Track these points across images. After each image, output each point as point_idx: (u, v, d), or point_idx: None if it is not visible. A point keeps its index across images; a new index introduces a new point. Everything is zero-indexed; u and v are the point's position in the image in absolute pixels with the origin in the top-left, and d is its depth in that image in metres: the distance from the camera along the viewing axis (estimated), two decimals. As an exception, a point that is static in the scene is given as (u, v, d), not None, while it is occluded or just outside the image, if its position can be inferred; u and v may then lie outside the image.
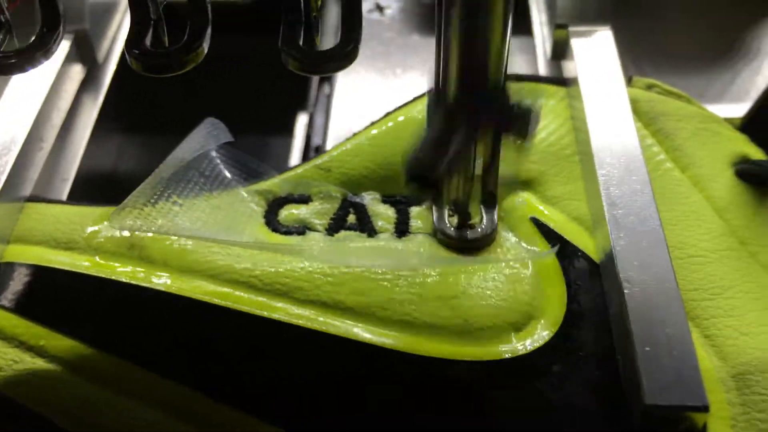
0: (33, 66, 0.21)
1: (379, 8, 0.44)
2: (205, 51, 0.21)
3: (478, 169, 0.26)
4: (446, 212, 0.27)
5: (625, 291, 0.23)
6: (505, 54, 0.21)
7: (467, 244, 0.26)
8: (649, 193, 0.26)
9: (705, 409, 0.21)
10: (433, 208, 0.27)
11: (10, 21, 0.22)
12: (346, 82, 0.39)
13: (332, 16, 0.33)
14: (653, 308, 0.23)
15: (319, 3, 0.22)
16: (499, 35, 0.20)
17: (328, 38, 0.26)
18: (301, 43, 0.20)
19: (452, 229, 0.26)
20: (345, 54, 0.20)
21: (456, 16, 0.20)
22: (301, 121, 0.42)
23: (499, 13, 0.20)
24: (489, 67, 0.21)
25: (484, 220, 0.27)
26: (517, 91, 0.29)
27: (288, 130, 0.42)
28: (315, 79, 0.43)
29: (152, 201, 0.26)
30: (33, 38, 0.21)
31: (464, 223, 0.27)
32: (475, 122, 0.22)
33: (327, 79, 0.41)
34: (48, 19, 0.21)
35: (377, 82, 0.39)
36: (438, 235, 0.26)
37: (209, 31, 0.21)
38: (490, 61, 0.21)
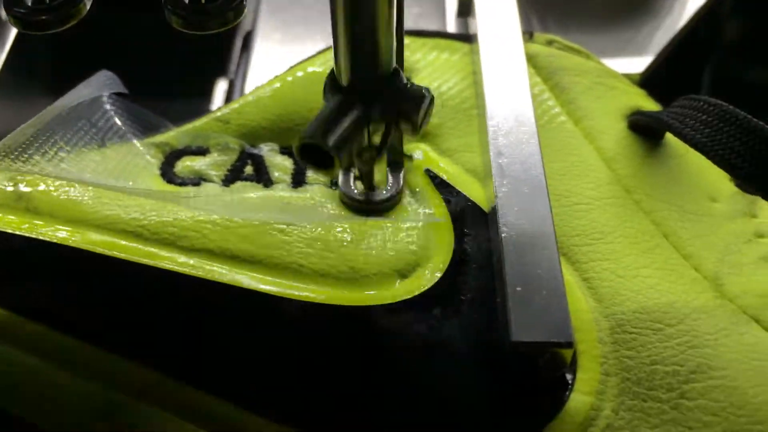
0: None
1: None
2: (87, 7, 0.21)
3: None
4: (351, 175, 0.27)
5: (503, 235, 0.24)
6: (394, 38, 0.22)
7: (372, 206, 0.27)
8: (536, 143, 0.26)
9: (569, 345, 0.21)
10: (340, 171, 0.27)
11: None
12: (265, 48, 0.39)
13: None
14: (528, 251, 0.23)
15: None
16: (386, 19, 0.21)
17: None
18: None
19: (356, 192, 0.27)
20: (229, 10, 0.20)
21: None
22: (221, 88, 0.42)
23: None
24: (378, 52, 0.21)
25: (390, 181, 0.27)
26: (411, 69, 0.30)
27: (207, 98, 0.42)
28: (237, 47, 0.43)
29: (36, 146, 0.26)
30: None
31: (369, 188, 0.27)
32: (367, 106, 0.22)
33: (246, 46, 0.41)
34: None
35: (296, 49, 0.39)
36: (343, 198, 0.27)
37: None
38: (379, 46, 0.21)
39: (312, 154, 0.21)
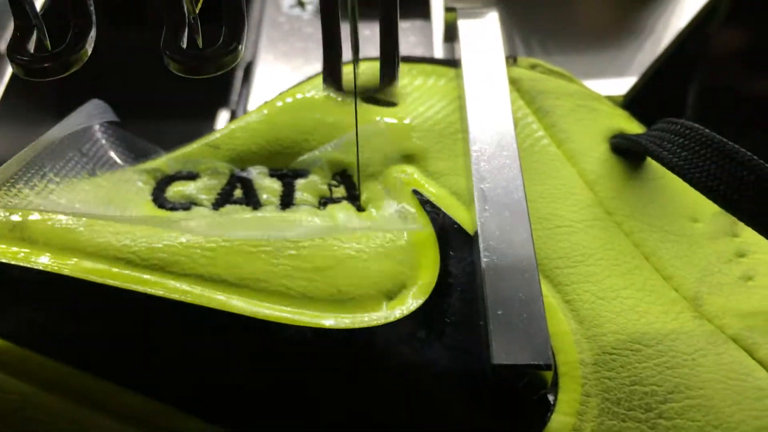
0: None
1: (301, 4, 0.44)
2: (89, 53, 0.21)
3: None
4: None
5: (484, 259, 0.24)
6: None
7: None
8: (517, 168, 0.27)
9: (548, 367, 0.22)
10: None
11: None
12: (265, 78, 0.40)
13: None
14: (509, 275, 0.24)
15: (199, 5, 0.22)
16: None
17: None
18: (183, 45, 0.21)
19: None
20: (226, 54, 0.21)
21: None
22: (223, 117, 0.43)
23: None
24: None
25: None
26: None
27: (209, 128, 0.43)
28: (239, 77, 0.43)
29: (25, 179, 0.26)
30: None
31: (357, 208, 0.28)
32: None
33: (247, 77, 0.42)
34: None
35: (296, 79, 0.39)
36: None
37: (93, 33, 0.21)
38: None
39: None
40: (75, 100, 0.31)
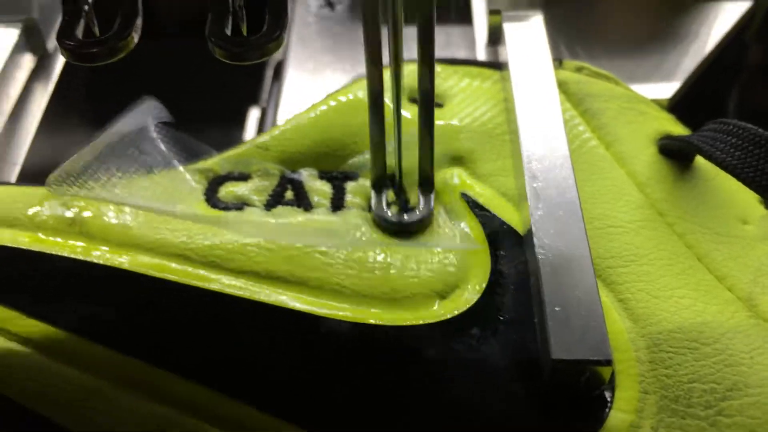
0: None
1: (330, 4, 0.45)
2: (135, 40, 0.22)
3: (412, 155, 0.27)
4: (384, 197, 0.28)
5: (540, 257, 0.24)
6: None
7: (405, 227, 0.27)
8: (569, 168, 0.27)
9: (608, 363, 0.22)
10: (372, 193, 0.28)
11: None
12: (296, 77, 0.40)
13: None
14: (565, 273, 0.24)
15: None
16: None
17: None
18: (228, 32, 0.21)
19: (390, 213, 0.27)
20: (270, 41, 0.21)
21: None
22: (254, 115, 0.43)
23: None
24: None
25: (422, 203, 0.28)
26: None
27: (240, 125, 0.43)
28: (269, 75, 0.44)
29: (90, 172, 0.27)
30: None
31: (403, 210, 0.28)
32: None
33: (278, 75, 0.42)
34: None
35: (326, 76, 0.40)
36: (377, 221, 0.27)
37: (139, 21, 0.22)
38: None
39: None
40: (115, 100, 0.32)
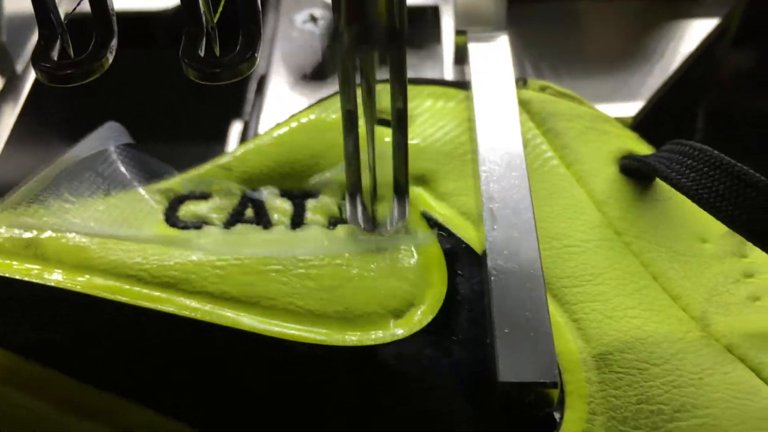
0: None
1: (314, 19, 0.45)
2: (110, 61, 0.22)
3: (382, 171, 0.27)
4: (359, 210, 0.28)
5: (492, 278, 0.24)
6: None
7: (379, 239, 0.27)
8: (526, 188, 0.27)
9: (554, 385, 0.22)
10: (348, 206, 0.28)
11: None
12: (278, 91, 0.41)
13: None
14: (516, 294, 0.24)
15: (217, 16, 0.23)
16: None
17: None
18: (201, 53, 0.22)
19: (363, 226, 0.27)
20: (242, 62, 0.22)
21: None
22: (236, 129, 0.43)
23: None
24: None
25: (395, 214, 0.28)
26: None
27: (222, 139, 0.43)
28: (252, 90, 0.44)
29: (41, 198, 0.27)
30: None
31: (374, 223, 0.28)
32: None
33: (261, 89, 0.42)
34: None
35: (308, 93, 0.40)
36: (350, 232, 0.28)
37: (114, 42, 0.22)
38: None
39: None
40: (86, 121, 0.32)
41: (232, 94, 0.45)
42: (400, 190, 0.27)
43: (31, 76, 0.36)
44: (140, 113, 0.34)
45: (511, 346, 0.23)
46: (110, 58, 0.22)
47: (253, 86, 0.44)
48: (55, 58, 0.22)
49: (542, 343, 0.23)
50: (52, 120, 0.38)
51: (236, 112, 0.44)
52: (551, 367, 0.22)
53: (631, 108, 0.35)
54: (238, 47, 0.22)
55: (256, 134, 0.39)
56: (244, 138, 0.42)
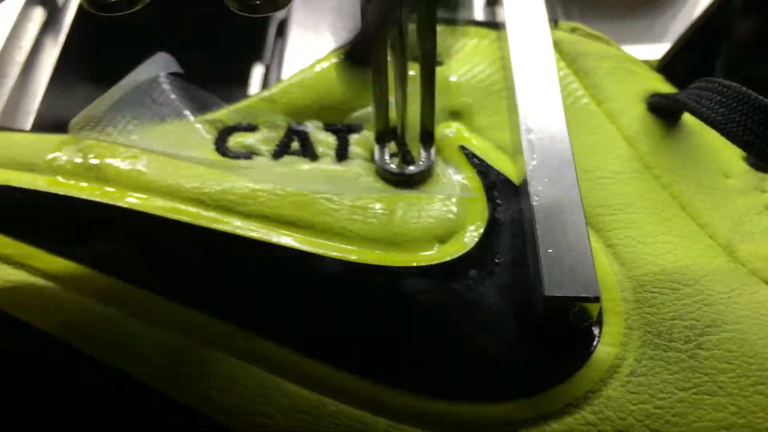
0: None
1: None
2: None
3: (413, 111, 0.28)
4: (387, 150, 0.29)
5: (534, 203, 0.26)
6: None
7: (407, 179, 0.29)
8: (562, 121, 0.29)
9: (596, 299, 0.23)
10: (375, 146, 0.29)
11: None
12: (299, 35, 0.41)
13: None
14: (558, 218, 0.26)
15: None
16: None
17: None
18: None
19: (392, 165, 0.29)
20: None
21: None
22: (257, 72, 0.44)
23: None
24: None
25: (423, 156, 0.29)
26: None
27: (244, 82, 0.44)
28: (271, 34, 0.45)
29: (109, 118, 0.28)
30: None
31: (405, 162, 0.29)
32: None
33: (281, 33, 0.43)
34: None
35: (328, 37, 0.41)
36: (379, 172, 0.29)
37: None
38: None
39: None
40: (116, 60, 0.33)
41: (253, 38, 0.45)
42: (427, 131, 0.29)
43: (72, 10, 0.37)
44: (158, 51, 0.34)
45: (554, 264, 0.24)
46: None
47: (272, 30, 0.45)
48: None
49: (583, 261, 0.24)
50: (91, 51, 0.39)
51: (257, 56, 0.45)
52: (592, 283, 0.24)
53: (656, 51, 0.36)
54: None
55: (278, 77, 0.40)
56: (265, 82, 0.43)
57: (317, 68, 0.32)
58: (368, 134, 0.31)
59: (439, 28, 0.34)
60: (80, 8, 0.37)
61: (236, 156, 0.30)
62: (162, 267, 0.26)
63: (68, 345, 0.24)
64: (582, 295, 0.23)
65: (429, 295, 0.25)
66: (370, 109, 0.31)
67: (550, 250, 0.25)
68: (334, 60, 0.32)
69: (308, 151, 0.30)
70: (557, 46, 0.33)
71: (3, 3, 0.23)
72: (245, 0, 0.23)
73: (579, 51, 0.33)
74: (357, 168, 0.29)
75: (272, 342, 0.24)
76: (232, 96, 0.38)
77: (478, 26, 0.35)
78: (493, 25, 0.35)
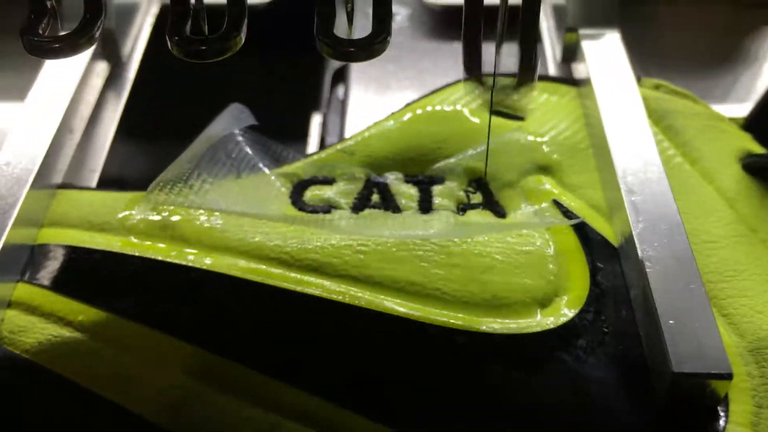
0: (76, 52, 0.22)
1: None
2: (242, 41, 0.22)
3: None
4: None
5: (647, 270, 0.24)
6: None
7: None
8: (665, 182, 0.27)
9: (729, 377, 0.21)
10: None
11: (55, 7, 0.22)
12: (360, 83, 0.40)
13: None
14: (674, 285, 0.24)
15: None
16: None
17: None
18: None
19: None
20: (376, 44, 0.21)
21: None
22: (316, 121, 0.43)
23: None
24: None
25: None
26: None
27: (302, 131, 0.43)
28: (327, 82, 0.44)
29: (184, 179, 0.27)
30: (77, 25, 0.22)
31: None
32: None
33: (340, 81, 0.42)
34: (91, 8, 0.22)
35: (390, 84, 0.40)
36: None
37: (245, 22, 0.22)
38: None
39: None
40: (180, 114, 0.32)
41: (310, 89, 0.44)
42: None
43: (135, 63, 0.36)
44: (222, 102, 0.33)
45: (678, 337, 0.22)
46: (242, 37, 0.21)
47: (328, 79, 0.44)
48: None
49: (709, 335, 0.22)
50: (156, 105, 0.38)
51: (315, 106, 0.44)
52: (722, 358, 0.22)
53: (740, 110, 0.35)
54: (372, 29, 0.22)
55: (340, 127, 0.39)
56: (323, 132, 0.42)
57: (397, 120, 0.31)
58: (452, 185, 0.29)
59: (515, 84, 0.33)
60: (143, 62, 0.36)
61: (314, 210, 0.28)
62: (246, 336, 0.24)
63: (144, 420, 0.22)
64: (713, 372, 0.22)
65: (536, 367, 0.24)
66: (453, 160, 0.30)
67: (671, 321, 0.23)
68: (416, 112, 0.31)
69: (390, 204, 0.28)
70: (643, 103, 0.31)
71: (68, 59, 0.22)
72: (338, 47, 0.21)
73: (666, 108, 0.32)
74: (445, 217, 0.28)
75: (363, 417, 0.22)
76: (293, 146, 0.37)
77: (555, 82, 0.33)
78: (570, 81, 0.34)
